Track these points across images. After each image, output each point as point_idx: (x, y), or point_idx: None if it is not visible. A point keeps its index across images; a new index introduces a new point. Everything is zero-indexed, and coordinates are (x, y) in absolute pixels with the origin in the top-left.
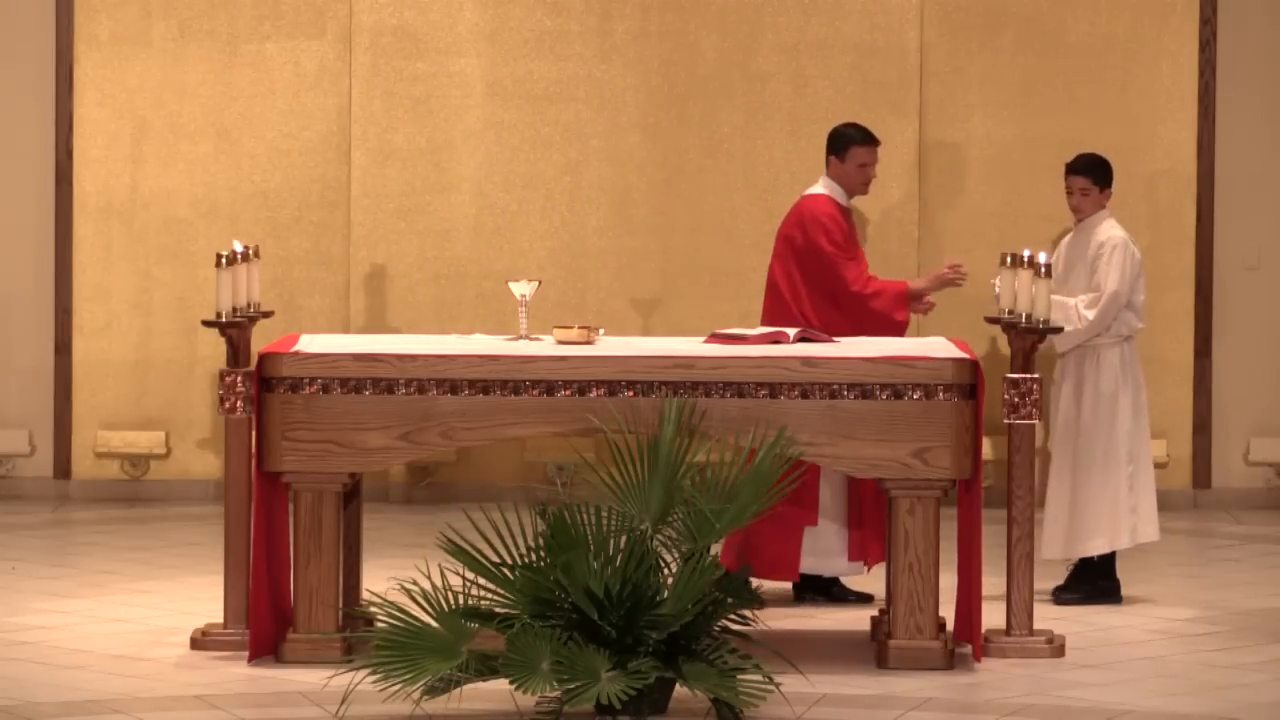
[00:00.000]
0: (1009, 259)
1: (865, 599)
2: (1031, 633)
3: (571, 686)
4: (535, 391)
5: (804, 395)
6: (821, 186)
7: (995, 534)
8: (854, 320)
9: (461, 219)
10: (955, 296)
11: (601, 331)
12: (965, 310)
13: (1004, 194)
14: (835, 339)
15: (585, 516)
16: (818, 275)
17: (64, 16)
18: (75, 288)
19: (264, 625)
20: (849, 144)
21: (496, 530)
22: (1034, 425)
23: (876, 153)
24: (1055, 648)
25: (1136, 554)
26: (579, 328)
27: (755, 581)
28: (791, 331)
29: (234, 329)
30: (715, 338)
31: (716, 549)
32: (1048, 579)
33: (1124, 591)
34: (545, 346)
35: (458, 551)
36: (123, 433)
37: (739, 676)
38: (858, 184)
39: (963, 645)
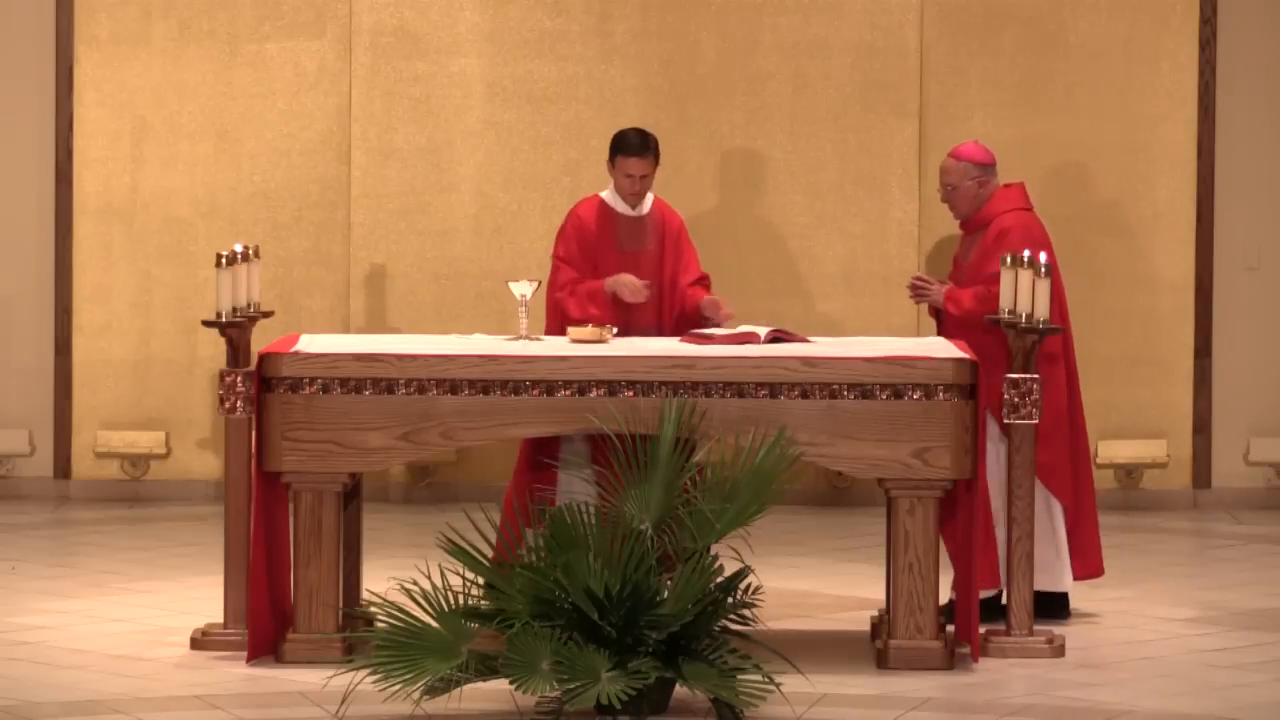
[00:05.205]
0: (1009, 259)
1: None
2: (1031, 633)
3: (571, 686)
4: (535, 391)
5: (804, 395)
6: (607, 190)
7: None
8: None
9: (461, 219)
10: None
11: (614, 330)
12: None
13: None
14: (810, 339)
15: (585, 516)
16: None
17: (64, 16)
18: (75, 288)
19: (263, 625)
20: (615, 152)
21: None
22: (1034, 425)
23: (648, 163)
24: (1055, 648)
25: (1136, 554)
26: (593, 326)
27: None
28: (763, 331)
29: (234, 329)
30: (690, 337)
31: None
32: None
33: (1124, 591)
34: (545, 346)
35: (458, 551)
36: (123, 433)
37: (739, 676)
38: (625, 193)
39: (962, 645)
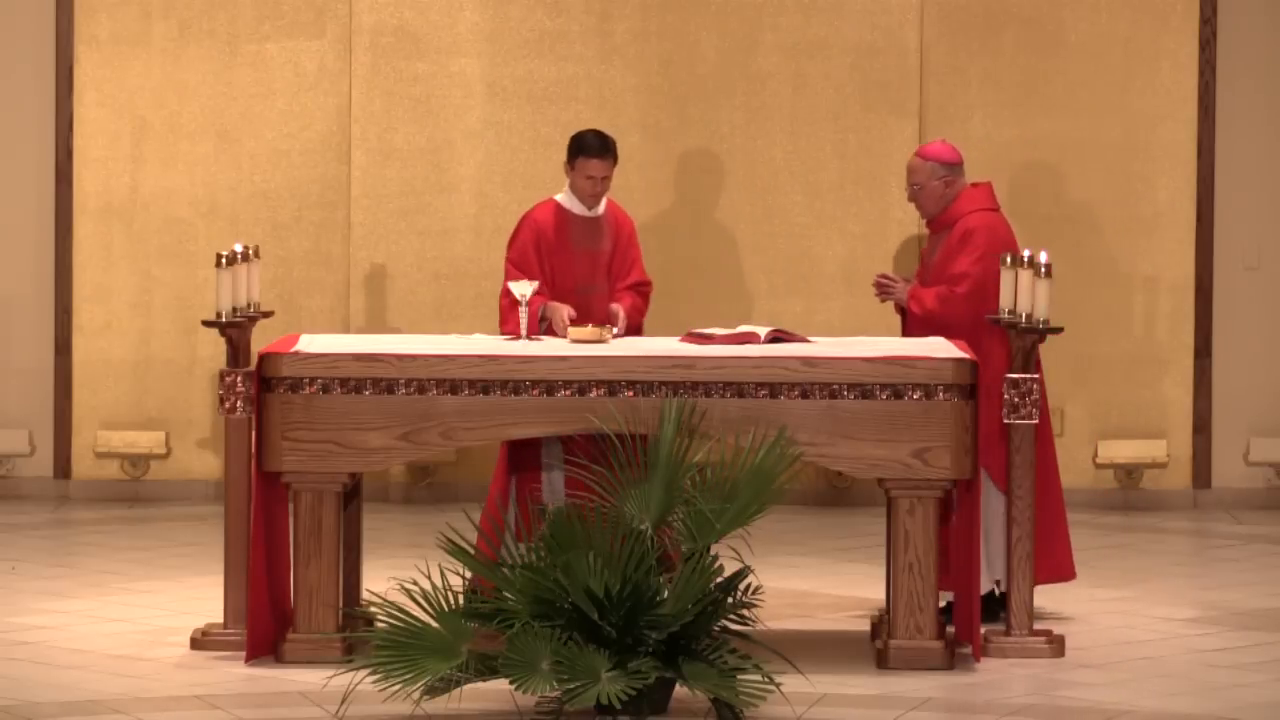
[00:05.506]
0: (1009, 259)
1: None
2: (1031, 633)
3: (571, 686)
4: (535, 391)
5: (804, 395)
6: (562, 193)
7: None
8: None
9: (461, 219)
10: None
11: (615, 331)
12: None
13: (1004, 194)
14: (810, 339)
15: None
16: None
17: (64, 16)
18: (75, 288)
19: (263, 625)
20: (575, 154)
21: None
22: (1034, 425)
23: (608, 164)
24: (1055, 648)
25: (1136, 554)
26: (592, 326)
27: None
28: (763, 331)
29: (234, 329)
30: (690, 336)
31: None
32: None
33: (1124, 591)
34: (545, 346)
35: (458, 551)
36: (123, 433)
37: (739, 676)
38: (585, 194)
39: (963, 645)
